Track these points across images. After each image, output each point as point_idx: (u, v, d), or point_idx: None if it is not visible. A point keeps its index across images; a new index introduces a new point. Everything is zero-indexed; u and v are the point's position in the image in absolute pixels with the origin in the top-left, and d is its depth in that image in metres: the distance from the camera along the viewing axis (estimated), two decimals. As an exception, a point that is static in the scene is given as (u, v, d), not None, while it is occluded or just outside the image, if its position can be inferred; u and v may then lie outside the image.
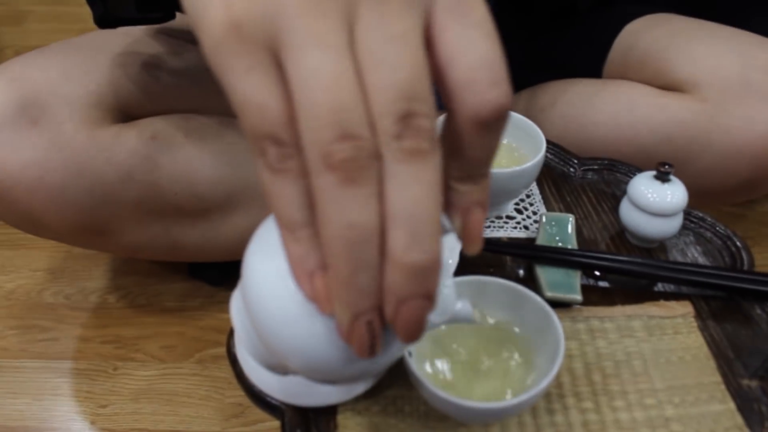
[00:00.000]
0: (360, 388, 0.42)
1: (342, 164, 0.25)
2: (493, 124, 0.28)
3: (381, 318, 0.28)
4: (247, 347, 0.36)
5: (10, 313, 0.85)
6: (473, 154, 0.29)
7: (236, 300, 0.36)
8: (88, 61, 0.69)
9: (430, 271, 0.27)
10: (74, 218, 0.66)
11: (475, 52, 0.27)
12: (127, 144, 0.66)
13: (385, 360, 0.32)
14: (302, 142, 0.25)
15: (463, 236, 0.31)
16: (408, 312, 0.27)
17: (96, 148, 0.65)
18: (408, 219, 0.26)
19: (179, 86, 0.76)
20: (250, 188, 0.74)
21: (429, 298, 0.28)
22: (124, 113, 0.70)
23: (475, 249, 0.31)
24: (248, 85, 0.26)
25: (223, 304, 0.86)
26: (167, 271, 0.90)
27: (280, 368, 0.37)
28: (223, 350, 0.80)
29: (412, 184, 0.26)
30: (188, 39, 0.80)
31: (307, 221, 0.27)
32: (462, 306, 0.36)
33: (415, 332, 0.28)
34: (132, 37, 0.75)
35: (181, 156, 0.69)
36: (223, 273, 0.88)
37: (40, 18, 1.55)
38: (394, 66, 0.25)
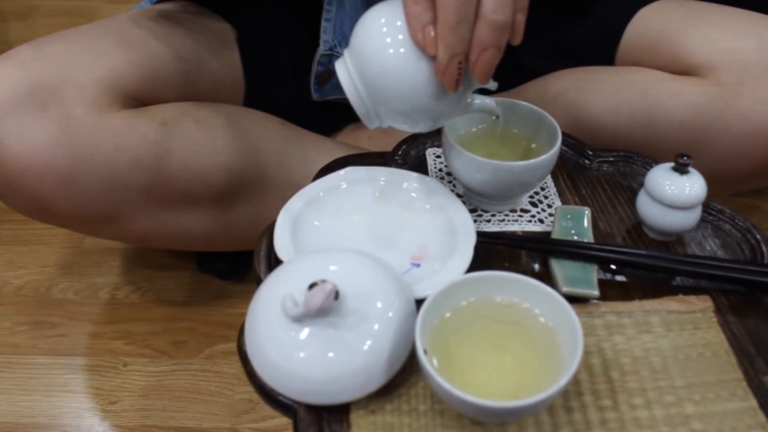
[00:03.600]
0: (373, 385, 0.42)
1: None
2: None
3: (465, 64, 0.44)
4: (354, 103, 0.49)
5: (19, 310, 0.85)
6: None
7: (344, 68, 0.48)
8: (99, 47, 0.68)
9: (505, 29, 0.43)
10: (83, 204, 0.66)
11: None
12: (137, 130, 0.66)
13: (453, 103, 0.48)
14: None
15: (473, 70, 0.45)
16: (486, 57, 0.44)
17: (106, 133, 0.64)
18: None
19: (190, 75, 0.75)
20: (260, 177, 0.73)
21: (500, 49, 0.44)
22: (135, 99, 0.69)
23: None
24: None
25: (232, 299, 0.86)
26: (176, 265, 0.90)
27: (373, 117, 0.49)
28: (232, 346, 0.80)
29: None
30: (197, 29, 0.79)
31: None
32: (489, 100, 0.52)
33: (487, 74, 0.45)
34: (143, 25, 0.74)
35: (192, 143, 0.68)
36: (232, 265, 0.87)
37: (48, 12, 1.54)
38: None
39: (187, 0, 0.83)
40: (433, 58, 0.45)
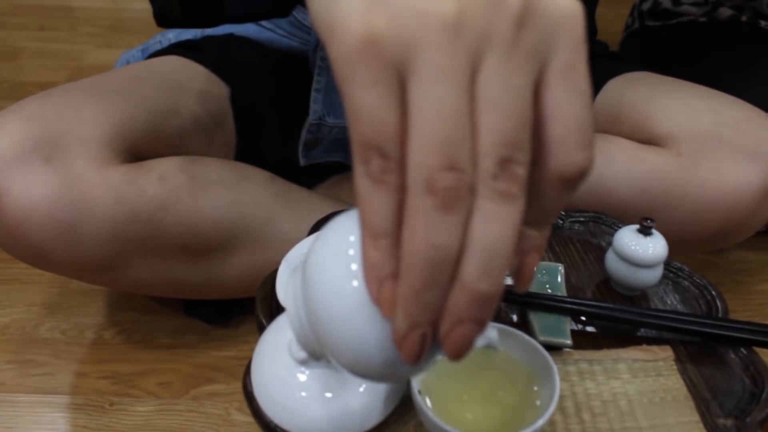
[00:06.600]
0: (369, 423, 0.45)
1: (443, 192, 0.27)
2: (573, 183, 0.30)
3: (434, 332, 0.30)
4: (295, 331, 0.39)
5: (5, 348, 0.86)
6: (547, 205, 0.31)
7: (284, 285, 0.39)
8: (101, 102, 0.72)
9: (491, 301, 0.30)
10: (82, 254, 0.68)
11: (573, 115, 0.29)
12: (135, 184, 0.69)
13: (422, 368, 0.35)
14: (408, 161, 0.28)
15: (518, 276, 0.33)
16: (462, 333, 0.30)
17: (106, 186, 0.67)
18: (485, 251, 0.28)
19: (186, 131, 0.79)
20: (250, 230, 0.77)
21: (482, 324, 0.30)
22: (134, 154, 0.73)
23: (525, 288, 0.33)
24: (370, 97, 0.28)
25: (218, 342, 0.88)
26: (162, 308, 0.92)
27: (321, 357, 0.40)
28: (217, 387, 0.82)
29: (496, 222, 0.28)
30: (192, 86, 0.83)
31: (391, 232, 0.30)
32: (492, 334, 0.43)
33: (462, 352, 0.31)
34: (143, 81, 0.79)
35: (187, 197, 0.72)
36: (218, 311, 0.90)
37: (34, 54, 1.57)
38: (505, 114, 0.28)
39: (182, 57, 0.88)
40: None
